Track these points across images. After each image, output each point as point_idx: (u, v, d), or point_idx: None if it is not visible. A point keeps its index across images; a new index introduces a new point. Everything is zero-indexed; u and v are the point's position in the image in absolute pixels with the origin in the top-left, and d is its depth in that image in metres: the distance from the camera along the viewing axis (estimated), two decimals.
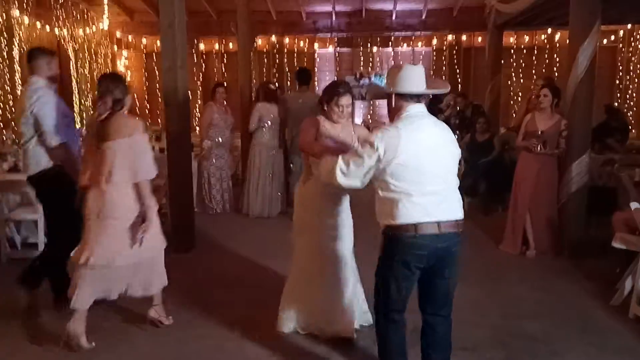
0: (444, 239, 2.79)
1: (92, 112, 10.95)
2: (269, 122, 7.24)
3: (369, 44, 12.38)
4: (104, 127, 3.55)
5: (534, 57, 12.23)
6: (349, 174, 2.82)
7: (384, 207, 2.82)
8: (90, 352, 3.67)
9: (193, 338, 3.85)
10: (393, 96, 2.89)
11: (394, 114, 2.91)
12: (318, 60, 12.59)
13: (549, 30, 11.83)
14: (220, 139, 7.56)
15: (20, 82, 8.67)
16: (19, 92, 8.60)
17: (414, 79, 2.84)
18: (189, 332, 3.94)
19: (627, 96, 11.87)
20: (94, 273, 3.54)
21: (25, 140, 4.09)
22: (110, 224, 3.53)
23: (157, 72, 12.50)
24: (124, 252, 3.56)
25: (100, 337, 3.85)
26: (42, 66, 4.12)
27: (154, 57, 12.56)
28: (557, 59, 11.94)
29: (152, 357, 3.63)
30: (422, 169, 2.75)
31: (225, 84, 8.19)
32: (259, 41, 12.34)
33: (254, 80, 10.62)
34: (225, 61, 12.56)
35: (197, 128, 10.49)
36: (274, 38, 12.41)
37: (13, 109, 8.51)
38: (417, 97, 2.87)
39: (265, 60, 12.46)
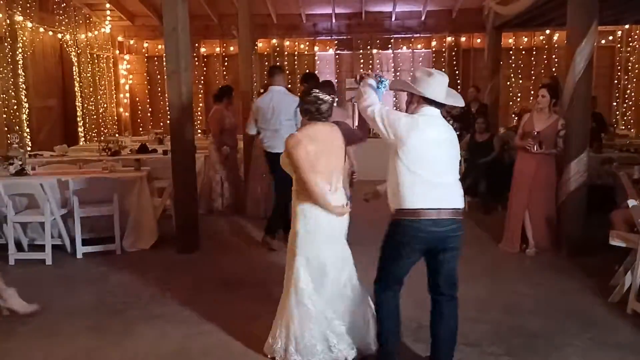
0: (442, 225, 3.07)
1: (94, 114, 11.01)
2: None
3: (368, 46, 12.45)
4: None
5: (532, 58, 12.29)
6: (381, 120, 3.13)
7: (395, 192, 3.11)
8: (95, 344, 3.75)
9: (198, 334, 3.92)
10: (417, 96, 3.17)
11: (413, 109, 3.22)
12: (318, 62, 12.65)
13: (547, 31, 11.90)
14: (230, 142, 7.71)
15: (24, 86, 8.74)
16: (23, 96, 8.68)
17: (440, 88, 3.14)
18: (194, 328, 4.01)
19: (626, 96, 11.93)
20: None
21: (276, 128, 5.93)
22: None
23: (158, 75, 12.58)
24: None
25: (107, 332, 3.95)
26: (281, 80, 6.30)
27: (156, 61, 12.64)
28: (556, 60, 12.01)
29: (158, 351, 3.70)
30: (429, 159, 3.06)
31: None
32: (260, 44, 12.42)
33: (255, 83, 10.70)
34: (226, 64, 12.63)
35: (199, 131, 10.60)
36: (274, 41, 12.48)
37: (18, 112, 8.59)
38: (436, 103, 3.16)
39: (266, 62, 12.52)
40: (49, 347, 3.79)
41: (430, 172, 3.05)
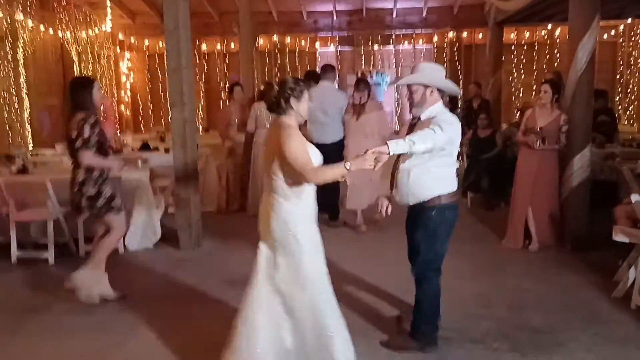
0: None
1: None
2: (267, 123, 7.32)
3: (369, 43, 12.43)
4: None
5: (534, 53, 12.27)
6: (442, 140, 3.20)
7: (439, 178, 3.35)
8: (100, 343, 3.76)
9: (202, 333, 3.92)
10: (432, 88, 3.36)
11: (423, 103, 3.39)
12: (319, 59, 12.64)
13: (549, 26, 11.87)
14: (240, 138, 7.70)
15: (25, 85, 8.75)
16: (24, 95, 8.69)
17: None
18: (198, 327, 4.01)
19: (628, 91, 11.90)
20: None
21: (324, 121, 6.40)
22: None
23: (159, 73, 12.57)
24: None
25: (111, 331, 3.96)
26: (332, 77, 6.89)
27: (156, 59, 12.63)
28: (558, 55, 11.98)
29: (162, 350, 3.69)
30: (454, 149, 3.38)
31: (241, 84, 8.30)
32: (261, 41, 12.41)
33: (256, 80, 10.69)
34: (227, 61, 12.62)
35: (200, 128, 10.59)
36: (275, 38, 12.47)
37: (19, 111, 8.60)
38: (442, 94, 3.44)
39: (267, 60, 12.52)
40: (54, 345, 3.79)
41: (451, 157, 3.42)
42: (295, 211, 3.05)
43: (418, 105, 3.40)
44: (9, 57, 8.46)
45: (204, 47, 12.61)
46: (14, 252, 5.57)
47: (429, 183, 3.35)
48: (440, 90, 3.39)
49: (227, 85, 8.15)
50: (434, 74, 3.42)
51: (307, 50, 12.62)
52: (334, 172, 2.98)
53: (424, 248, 3.45)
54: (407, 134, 3.27)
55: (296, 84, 3.11)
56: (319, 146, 3.10)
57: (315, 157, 3.05)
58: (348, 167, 2.94)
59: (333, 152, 5.87)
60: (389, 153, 2.99)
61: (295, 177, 2.99)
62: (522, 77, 12.29)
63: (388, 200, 3.61)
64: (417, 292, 3.55)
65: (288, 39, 12.52)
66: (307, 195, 3.09)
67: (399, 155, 3.34)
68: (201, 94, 12.50)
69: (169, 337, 3.86)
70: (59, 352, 3.71)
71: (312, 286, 3.05)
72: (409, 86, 3.42)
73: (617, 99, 12.15)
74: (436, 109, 3.37)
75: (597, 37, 5.51)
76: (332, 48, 12.60)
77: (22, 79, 8.73)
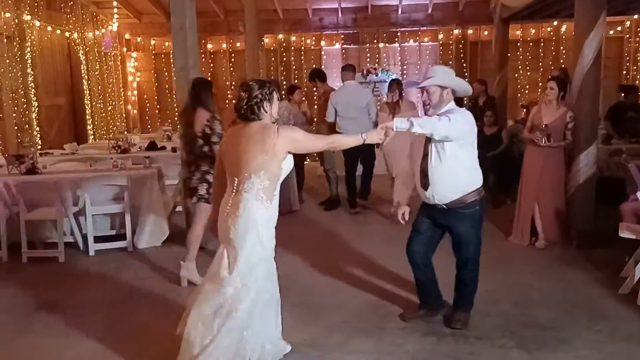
0: None
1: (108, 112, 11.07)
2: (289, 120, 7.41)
3: (375, 40, 12.43)
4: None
5: (540, 50, 12.22)
6: (447, 131, 3.45)
7: (472, 174, 3.69)
8: (108, 342, 3.80)
9: None
10: (447, 90, 3.63)
11: (440, 103, 3.63)
12: (325, 57, 12.64)
13: (555, 23, 11.82)
14: None
15: (33, 85, 8.82)
16: (32, 95, 8.76)
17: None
18: None
19: None
20: None
21: (354, 116, 7.07)
22: None
23: (166, 72, 12.63)
24: None
25: (119, 330, 4.01)
26: (353, 76, 7.49)
27: (163, 58, 12.68)
28: (564, 51, 11.94)
29: (170, 349, 3.73)
30: (475, 141, 3.70)
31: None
32: (266, 39, 12.43)
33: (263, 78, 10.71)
34: (232, 60, 12.65)
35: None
36: (280, 36, 12.49)
37: (27, 111, 8.67)
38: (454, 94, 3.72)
39: (273, 58, 12.53)
40: (61, 344, 3.84)
41: (476, 151, 3.74)
42: (265, 214, 3.11)
43: (436, 105, 3.65)
44: (17, 58, 8.51)
45: (209, 46, 12.64)
46: (25, 251, 5.64)
47: (468, 176, 3.66)
48: (453, 90, 3.69)
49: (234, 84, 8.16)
50: (448, 75, 3.70)
51: (312, 48, 12.63)
52: (349, 140, 3.46)
53: (474, 241, 3.78)
54: None
55: (263, 87, 3.18)
56: None
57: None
58: (364, 137, 3.28)
59: (364, 146, 6.01)
60: (393, 129, 3.31)
61: (277, 177, 3.12)
62: (528, 73, 12.25)
63: (409, 207, 3.96)
64: (464, 275, 3.89)
65: (293, 37, 12.53)
66: (276, 201, 3.19)
67: (427, 154, 3.63)
68: None
69: (178, 335, 3.91)
70: (67, 349, 3.76)
71: (258, 289, 3.15)
72: (426, 88, 3.63)
73: (623, 94, 12.07)
74: (449, 106, 3.65)
75: (604, 33, 5.50)
76: (337, 46, 12.60)
77: (30, 78, 8.80)
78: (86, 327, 4.08)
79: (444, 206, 3.67)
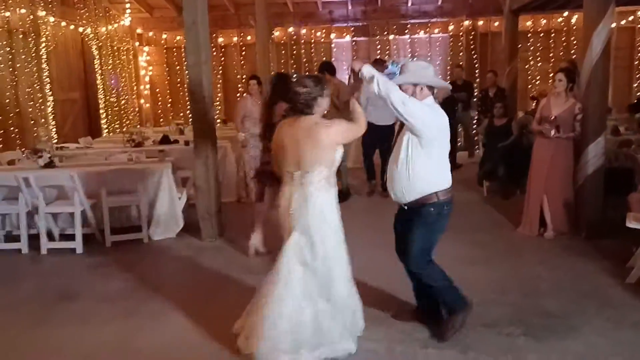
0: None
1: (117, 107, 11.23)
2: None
3: (385, 32, 12.45)
4: None
5: (551, 41, 12.19)
6: (403, 105, 3.36)
7: (432, 175, 3.49)
8: (128, 329, 3.93)
9: (226, 318, 4.05)
10: (422, 86, 3.52)
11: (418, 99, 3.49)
12: (335, 50, 12.69)
13: (566, 13, 11.77)
14: (255, 130, 7.77)
15: (48, 80, 8.97)
16: (47, 90, 8.92)
17: (437, 76, 3.60)
18: (223, 312, 4.14)
19: None
20: None
21: (380, 105, 7.04)
22: None
23: (177, 66, 12.74)
24: None
25: (138, 318, 4.14)
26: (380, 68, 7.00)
27: (174, 52, 12.80)
28: (575, 42, 11.89)
29: (188, 336, 3.86)
30: (444, 142, 3.51)
31: (258, 76, 8.34)
32: (276, 33, 12.49)
33: (272, 72, 10.79)
34: (243, 53, 12.74)
35: (218, 121, 10.73)
36: (291, 29, 12.55)
37: (42, 106, 8.82)
38: (433, 90, 3.58)
39: (283, 51, 12.61)
40: (84, 332, 3.97)
41: (445, 154, 3.55)
42: (328, 200, 3.36)
43: None
44: (32, 53, 8.66)
45: (220, 39, 12.72)
46: (44, 243, 5.79)
47: (427, 178, 3.49)
48: (431, 87, 3.57)
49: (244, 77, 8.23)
50: (421, 72, 3.58)
51: (322, 41, 12.68)
52: (361, 109, 3.52)
53: (419, 243, 3.58)
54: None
55: (317, 83, 3.36)
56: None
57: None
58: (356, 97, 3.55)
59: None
60: (360, 70, 3.42)
61: (333, 165, 3.37)
62: (539, 64, 12.23)
63: None
64: (425, 283, 3.71)
65: (303, 30, 12.58)
66: (335, 184, 3.44)
67: (393, 151, 3.65)
68: (219, 86, 12.63)
69: (192, 324, 4.02)
70: (87, 338, 3.88)
71: (338, 267, 3.39)
72: (400, 86, 3.55)
73: (634, 85, 12.04)
74: (426, 102, 3.52)
75: (614, 24, 5.52)
76: (347, 38, 12.64)
77: (45, 74, 8.95)
78: (106, 315, 4.22)
79: (404, 206, 3.63)
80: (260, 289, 3.46)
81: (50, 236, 5.93)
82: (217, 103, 12.39)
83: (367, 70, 3.39)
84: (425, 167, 3.46)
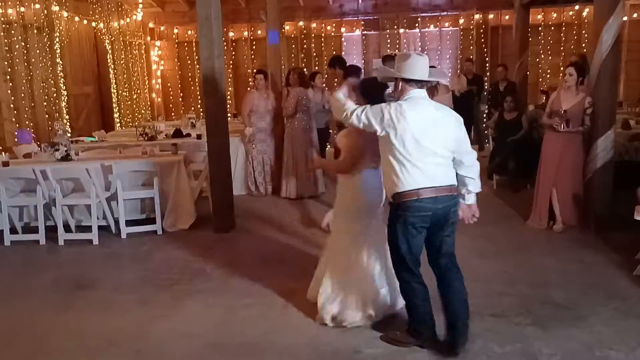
0: (441, 201, 3.27)
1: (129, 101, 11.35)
2: (305, 107, 7.57)
3: (395, 26, 12.46)
4: None
5: (562, 34, 12.14)
6: (361, 120, 3.33)
7: (390, 177, 3.32)
8: (145, 316, 4.06)
9: (239, 307, 4.17)
10: (400, 80, 3.37)
11: (400, 95, 3.39)
12: (345, 43, 12.72)
13: (577, 7, 11.72)
14: (261, 124, 7.87)
15: (62, 75, 9.10)
16: (61, 84, 9.05)
17: (420, 67, 3.31)
18: (235, 302, 4.27)
19: None
20: None
21: None
22: None
23: (189, 60, 12.84)
24: None
25: (155, 305, 4.26)
26: (392, 65, 6.84)
27: (186, 46, 12.89)
28: (586, 35, 11.84)
29: (203, 322, 3.97)
30: (421, 142, 3.21)
31: (265, 71, 8.42)
32: (287, 27, 12.54)
33: (283, 66, 10.85)
34: (254, 48, 12.81)
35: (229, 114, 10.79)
36: (301, 23, 12.59)
37: (57, 100, 8.96)
38: (420, 83, 3.35)
39: (293, 45, 12.65)
40: (103, 319, 4.10)
41: (422, 153, 3.21)
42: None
43: (398, 96, 3.43)
44: (47, 48, 8.79)
45: (231, 34, 12.80)
46: (61, 234, 5.92)
47: (387, 180, 3.40)
48: (418, 81, 3.34)
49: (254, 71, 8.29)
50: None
51: (332, 35, 12.71)
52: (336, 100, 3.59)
53: (390, 247, 3.50)
54: None
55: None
56: None
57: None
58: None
59: None
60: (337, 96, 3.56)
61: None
62: (550, 58, 12.20)
63: None
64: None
65: (314, 24, 12.62)
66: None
67: None
68: (229, 81, 12.71)
69: (207, 312, 4.14)
70: (107, 324, 4.00)
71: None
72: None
73: None
74: (409, 95, 3.36)
75: (626, 17, 5.53)
76: (357, 32, 12.66)
77: (59, 68, 9.07)
78: (123, 303, 4.34)
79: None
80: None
81: (67, 228, 6.06)
82: (228, 97, 12.44)
83: (339, 95, 3.55)
84: (388, 163, 3.32)
